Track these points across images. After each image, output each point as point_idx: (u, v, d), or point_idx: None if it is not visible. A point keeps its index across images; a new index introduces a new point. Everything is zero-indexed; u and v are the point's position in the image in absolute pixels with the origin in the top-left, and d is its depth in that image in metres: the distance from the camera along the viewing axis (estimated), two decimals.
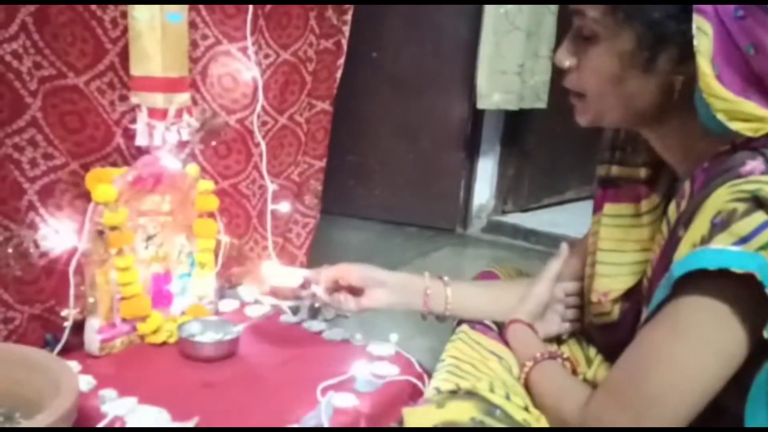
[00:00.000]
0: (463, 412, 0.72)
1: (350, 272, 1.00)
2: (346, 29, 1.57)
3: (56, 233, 1.10)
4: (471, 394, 0.74)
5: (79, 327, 1.11)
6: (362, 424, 0.97)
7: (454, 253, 2.54)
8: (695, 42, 0.66)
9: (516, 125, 2.74)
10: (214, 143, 1.38)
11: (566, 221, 2.64)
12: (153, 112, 1.19)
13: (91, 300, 1.11)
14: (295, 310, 1.45)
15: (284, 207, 1.48)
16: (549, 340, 0.96)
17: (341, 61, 1.59)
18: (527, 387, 0.83)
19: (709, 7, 0.66)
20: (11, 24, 1.01)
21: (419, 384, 1.07)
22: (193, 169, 1.27)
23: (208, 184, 1.29)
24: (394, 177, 2.74)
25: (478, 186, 2.79)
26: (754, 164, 0.65)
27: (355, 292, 1.00)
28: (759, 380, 0.64)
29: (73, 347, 1.11)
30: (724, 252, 0.61)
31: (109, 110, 1.19)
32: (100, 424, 0.90)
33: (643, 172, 0.87)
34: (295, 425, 0.92)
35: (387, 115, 2.70)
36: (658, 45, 0.71)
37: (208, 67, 1.33)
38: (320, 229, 1.70)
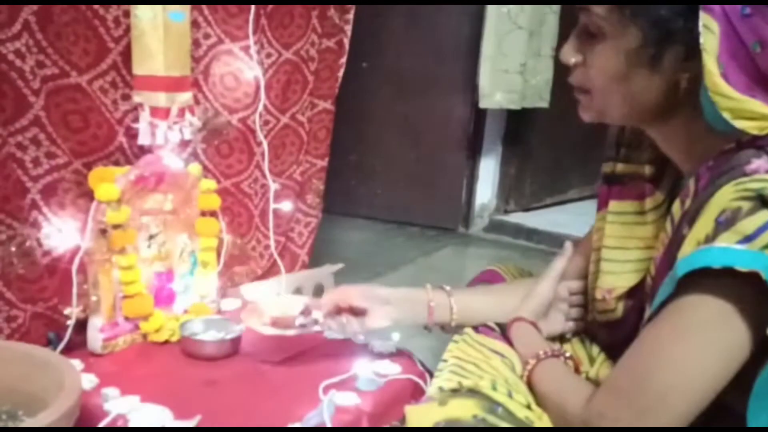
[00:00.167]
0: (465, 409, 0.72)
1: (351, 294, 0.98)
2: (348, 28, 1.57)
3: (59, 232, 1.10)
4: (473, 392, 0.74)
5: (81, 325, 1.12)
6: (364, 423, 0.97)
7: (456, 252, 2.54)
8: (701, 40, 0.66)
9: (518, 124, 2.74)
10: (216, 142, 1.38)
11: (568, 221, 2.64)
12: (155, 111, 1.19)
13: (93, 298, 1.11)
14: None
15: (286, 206, 1.49)
16: (552, 338, 0.96)
17: (343, 60, 1.59)
18: (530, 385, 0.83)
19: (716, 5, 0.66)
20: (14, 23, 1.02)
21: (421, 382, 1.07)
22: (195, 168, 1.27)
23: (210, 183, 1.29)
24: (396, 176, 2.74)
25: (480, 185, 2.79)
26: (759, 162, 0.65)
27: (357, 313, 0.99)
28: (762, 378, 0.64)
29: (76, 346, 1.11)
30: (729, 250, 0.61)
31: (111, 109, 1.19)
32: (103, 423, 0.90)
33: (647, 170, 0.86)
34: (298, 424, 0.92)
35: (389, 114, 2.70)
36: (664, 42, 0.71)
37: (210, 67, 1.34)
38: (322, 228, 1.70)
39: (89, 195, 1.12)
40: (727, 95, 0.66)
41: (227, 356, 1.13)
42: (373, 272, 2.12)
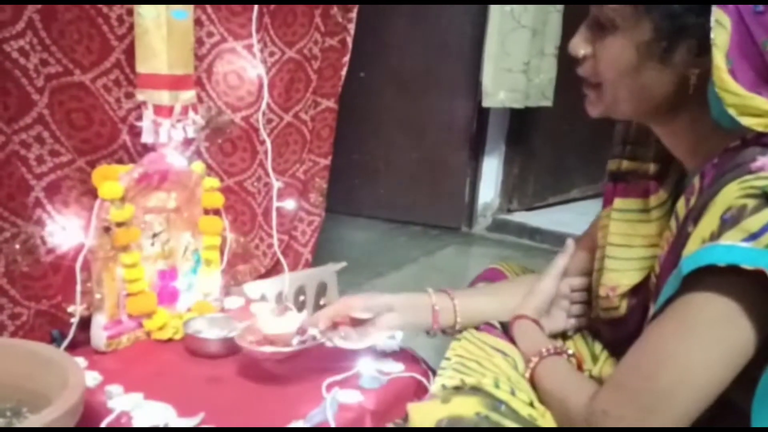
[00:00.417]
0: (468, 407, 0.72)
1: (352, 305, 0.96)
2: (351, 27, 1.57)
3: (63, 230, 1.10)
4: (476, 390, 0.74)
5: (85, 323, 1.12)
6: (367, 421, 0.97)
7: (459, 251, 2.54)
8: (712, 35, 0.66)
9: (521, 124, 2.73)
10: (219, 141, 1.38)
11: (571, 220, 2.64)
12: (159, 110, 1.19)
13: (97, 296, 1.11)
14: (300, 307, 1.45)
15: (289, 204, 1.48)
16: (554, 336, 0.96)
17: (346, 58, 1.59)
18: (533, 382, 0.83)
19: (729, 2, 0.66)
20: (18, 21, 1.02)
21: (424, 381, 1.07)
22: (198, 166, 1.28)
23: (213, 182, 1.30)
24: (399, 175, 2.74)
25: (483, 184, 2.79)
26: (764, 160, 0.65)
27: (357, 323, 0.97)
28: (766, 376, 0.64)
29: (80, 343, 1.11)
30: (734, 248, 0.61)
31: (115, 107, 1.19)
32: (107, 420, 0.90)
33: (651, 168, 0.86)
34: (301, 421, 0.92)
35: (392, 113, 2.70)
36: (676, 37, 0.70)
37: (213, 65, 1.34)
38: (325, 227, 1.70)
39: (93, 193, 1.12)
40: (734, 91, 0.66)
41: (230, 354, 1.13)
42: (376, 272, 2.12)
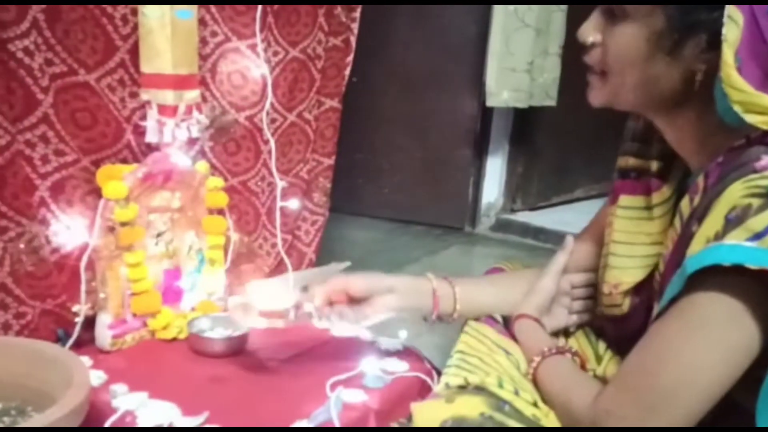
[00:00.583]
0: (472, 407, 0.72)
1: (352, 283, 0.96)
2: (355, 27, 1.57)
3: (67, 229, 1.10)
4: (480, 389, 0.74)
5: (90, 322, 1.12)
6: (371, 420, 0.97)
7: (463, 251, 2.54)
8: (724, 30, 0.66)
9: (525, 123, 2.73)
10: (223, 140, 1.38)
11: (575, 219, 2.62)
12: (163, 109, 1.19)
13: (102, 295, 1.11)
14: None
15: (293, 204, 1.48)
16: (556, 333, 0.96)
17: (350, 58, 1.59)
18: (535, 382, 0.83)
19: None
20: (23, 21, 1.02)
21: (428, 380, 1.07)
22: (202, 166, 1.28)
23: (217, 181, 1.30)
24: (402, 175, 2.74)
25: (486, 184, 2.78)
26: None
27: (356, 302, 0.96)
28: None
29: (84, 342, 1.12)
30: (739, 248, 0.61)
31: (119, 107, 1.20)
32: (111, 419, 0.90)
33: (654, 165, 0.86)
34: (305, 420, 0.92)
35: (396, 113, 2.70)
36: (688, 30, 0.70)
37: (217, 65, 1.34)
38: (329, 227, 1.70)
39: (97, 192, 1.13)
40: (740, 88, 0.66)
41: (235, 353, 1.14)
42: (379, 271, 2.12)
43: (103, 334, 1.12)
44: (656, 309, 0.70)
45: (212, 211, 1.29)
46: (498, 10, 2.38)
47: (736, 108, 0.67)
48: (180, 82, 1.19)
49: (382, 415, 0.98)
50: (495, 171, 2.79)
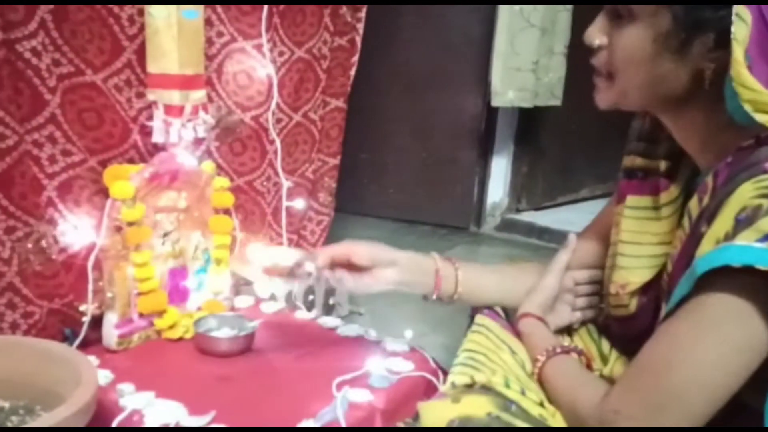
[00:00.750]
0: (478, 407, 0.71)
1: (356, 250, 0.94)
2: (360, 27, 1.57)
3: (75, 229, 1.11)
4: (486, 389, 0.74)
5: (97, 322, 1.13)
6: (377, 419, 0.97)
7: (468, 251, 2.54)
8: (732, 29, 0.66)
9: (530, 123, 2.72)
10: (229, 140, 1.39)
11: (580, 219, 2.60)
12: (169, 109, 1.20)
13: (108, 295, 1.12)
14: (309, 307, 1.45)
15: (299, 204, 1.49)
16: (560, 331, 0.96)
17: (355, 58, 1.59)
18: (540, 382, 0.83)
19: None
20: (31, 21, 1.02)
21: (434, 380, 1.07)
22: (208, 166, 1.28)
23: (223, 181, 1.30)
24: (407, 175, 2.74)
25: (491, 184, 2.78)
26: None
27: (357, 271, 0.95)
28: None
29: (91, 342, 1.12)
30: (749, 249, 0.61)
31: (126, 107, 1.20)
32: (119, 418, 0.91)
33: (662, 165, 0.86)
34: (311, 420, 0.93)
35: (401, 113, 2.70)
36: (695, 29, 0.70)
37: (223, 65, 1.34)
38: (334, 227, 1.70)
39: (104, 192, 1.13)
40: (751, 87, 0.66)
41: (241, 353, 1.14)
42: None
43: (110, 334, 1.12)
44: (664, 309, 0.70)
45: (218, 211, 1.29)
46: (503, 9, 2.38)
47: (746, 107, 0.66)
48: (186, 83, 1.20)
49: (387, 415, 0.98)
50: (500, 171, 2.79)
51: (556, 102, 2.56)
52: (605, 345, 0.96)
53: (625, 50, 0.75)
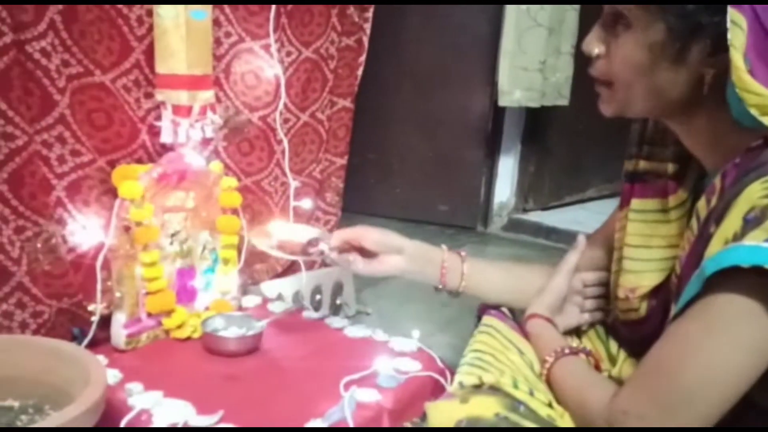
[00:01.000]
0: (487, 407, 0.71)
1: (367, 235, 0.98)
2: (368, 27, 1.57)
3: (84, 229, 1.11)
4: (495, 390, 0.74)
5: (105, 321, 1.13)
6: (385, 419, 0.97)
7: (475, 251, 2.52)
8: (729, 36, 0.65)
9: (537, 122, 2.72)
10: (237, 140, 1.39)
11: (588, 219, 2.62)
12: (177, 110, 1.20)
13: (117, 295, 1.12)
14: (316, 307, 1.45)
15: (306, 204, 1.49)
16: (568, 332, 0.95)
17: (363, 58, 1.59)
18: (549, 383, 0.82)
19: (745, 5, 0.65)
20: (40, 22, 1.03)
21: (441, 380, 1.07)
22: (216, 166, 1.28)
23: (231, 181, 1.30)
24: (414, 175, 2.74)
25: (499, 184, 2.78)
26: None
27: (367, 255, 0.99)
28: None
29: (100, 341, 1.13)
30: (758, 249, 0.60)
31: (134, 107, 1.21)
32: (127, 417, 0.91)
33: (670, 167, 0.85)
34: (319, 420, 0.93)
35: (408, 112, 2.70)
36: (691, 36, 0.70)
37: (231, 65, 1.34)
38: (341, 227, 1.70)
39: (113, 192, 1.14)
40: (756, 92, 0.65)
41: (248, 352, 1.14)
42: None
43: (118, 333, 1.12)
44: (673, 310, 0.70)
45: (226, 211, 1.30)
46: (510, 9, 2.38)
47: (753, 111, 0.66)
48: (194, 83, 1.20)
49: (395, 415, 0.98)
50: (507, 170, 2.78)
51: (564, 102, 2.56)
52: (613, 346, 0.96)
53: (623, 59, 0.75)
